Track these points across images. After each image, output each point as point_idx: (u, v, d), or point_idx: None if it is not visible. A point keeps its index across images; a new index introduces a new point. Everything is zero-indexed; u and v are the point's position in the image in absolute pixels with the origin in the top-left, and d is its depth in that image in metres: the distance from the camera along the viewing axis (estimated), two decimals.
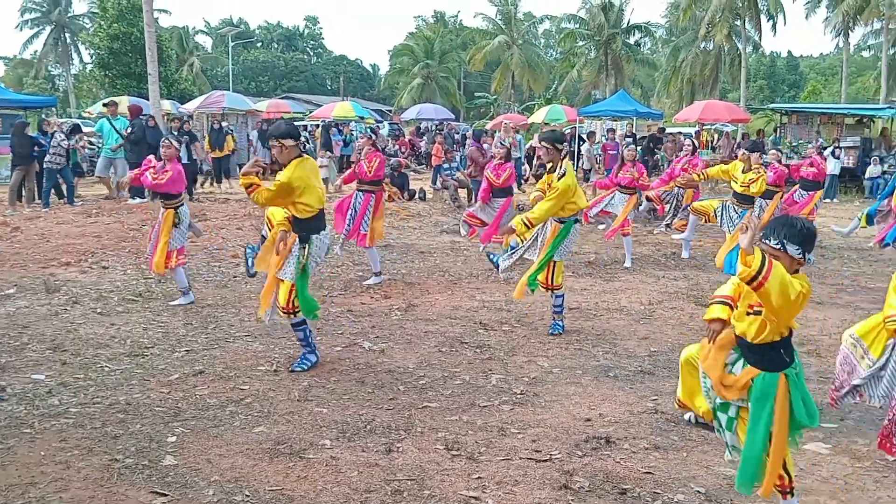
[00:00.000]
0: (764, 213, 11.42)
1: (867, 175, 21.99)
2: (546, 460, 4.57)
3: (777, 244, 3.53)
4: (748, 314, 3.66)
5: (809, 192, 13.38)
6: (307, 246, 5.92)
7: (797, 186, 13.60)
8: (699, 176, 11.31)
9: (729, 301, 3.89)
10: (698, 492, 4.20)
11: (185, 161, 13.49)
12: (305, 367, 6.10)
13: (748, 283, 3.38)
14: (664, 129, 26.41)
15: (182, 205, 8.10)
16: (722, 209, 10.50)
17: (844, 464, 4.65)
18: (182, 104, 29.75)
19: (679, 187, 13.08)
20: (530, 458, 4.59)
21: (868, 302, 8.89)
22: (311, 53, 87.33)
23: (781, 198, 12.66)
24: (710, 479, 4.35)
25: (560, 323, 7.42)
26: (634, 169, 11.54)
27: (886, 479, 4.47)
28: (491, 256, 7.74)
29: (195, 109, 25.96)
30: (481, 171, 13.11)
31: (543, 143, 7.24)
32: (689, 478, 4.37)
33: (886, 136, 26.15)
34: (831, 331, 7.68)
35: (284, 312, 5.96)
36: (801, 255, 3.53)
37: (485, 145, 15.81)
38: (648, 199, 13.45)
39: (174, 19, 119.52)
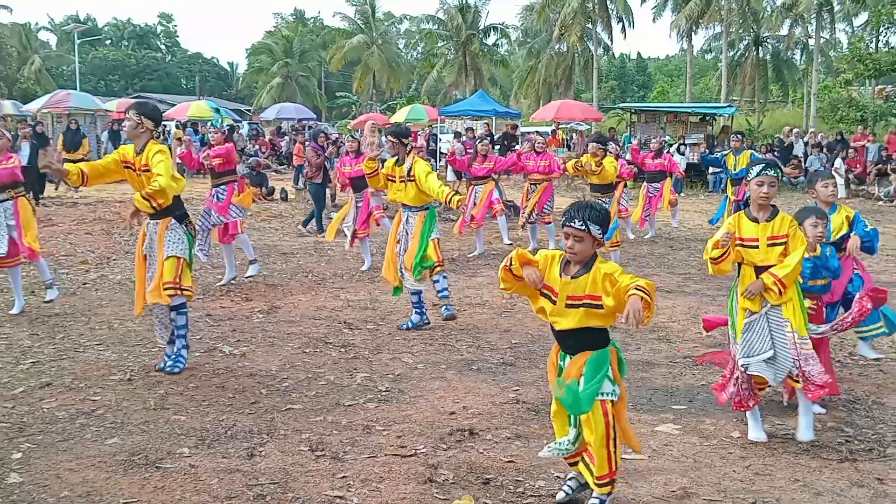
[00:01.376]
0: (611, 204, 11.97)
1: (710, 170, 23.21)
2: (411, 455, 4.59)
3: (581, 225, 3.68)
4: (573, 306, 3.73)
5: (660, 183, 14.01)
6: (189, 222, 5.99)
7: (645, 183, 14.24)
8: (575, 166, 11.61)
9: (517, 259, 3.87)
10: (558, 477, 4.32)
11: (28, 164, 12.72)
12: (180, 368, 5.92)
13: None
14: (517, 127, 27.06)
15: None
16: None
17: (693, 443, 4.90)
18: (24, 104, 28.11)
19: (534, 183, 13.29)
20: (395, 454, 4.59)
21: (713, 289, 9.40)
22: (166, 51, 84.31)
23: (625, 187, 13.30)
24: (564, 466, 4.47)
25: (450, 306, 7.60)
26: (489, 161, 11.87)
27: (731, 455, 4.73)
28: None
29: (38, 109, 24.61)
30: (318, 172, 13.02)
31: (390, 138, 7.44)
32: (550, 464, 4.48)
33: (728, 134, 27.74)
34: (680, 318, 8.08)
35: (172, 288, 5.77)
36: (600, 235, 3.72)
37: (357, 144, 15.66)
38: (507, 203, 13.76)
39: (15, 16, 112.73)
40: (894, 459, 4.66)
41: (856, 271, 6.07)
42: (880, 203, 19.70)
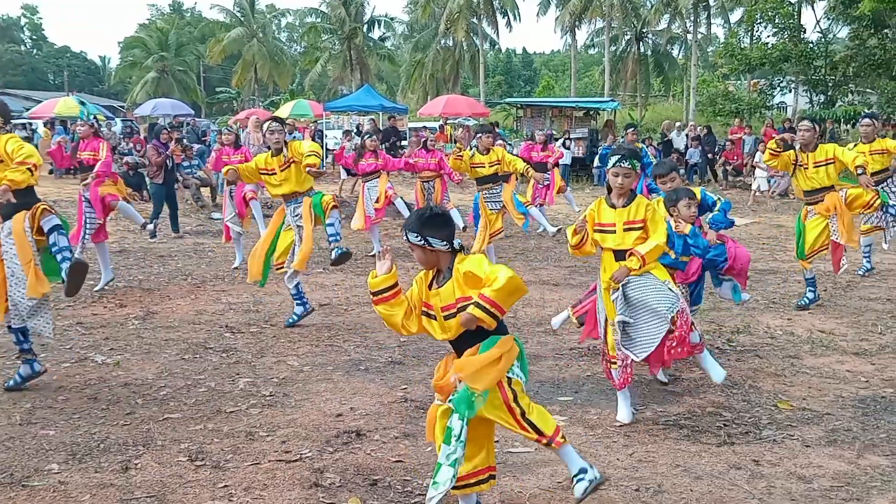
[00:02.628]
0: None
1: (595, 164, 23.75)
2: (296, 460, 4.46)
3: (419, 240, 3.53)
4: (450, 317, 3.55)
5: (548, 174, 14.18)
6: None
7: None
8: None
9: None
10: None
11: None
12: (20, 380, 5.58)
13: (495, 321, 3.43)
14: (394, 117, 27.02)
15: None
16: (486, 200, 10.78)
17: (579, 433, 4.94)
18: None
19: (426, 181, 13.24)
20: (280, 460, 4.45)
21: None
22: (31, 45, 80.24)
23: (516, 179, 13.44)
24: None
25: (305, 302, 7.54)
26: (376, 157, 11.68)
27: (616, 443, 4.79)
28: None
29: None
30: (159, 172, 12.46)
31: (273, 126, 7.30)
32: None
33: (611, 128, 28.46)
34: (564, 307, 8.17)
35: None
36: (447, 247, 3.52)
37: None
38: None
39: None
40: (770, 441, 4.82)
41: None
42: (756, 194, 20.51)
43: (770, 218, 15.92)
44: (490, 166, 10.51)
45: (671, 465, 4.45)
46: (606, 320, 5.14)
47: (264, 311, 7.94)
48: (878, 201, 8.19)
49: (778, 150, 8.09)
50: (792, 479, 4.28)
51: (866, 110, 25.29)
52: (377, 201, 11.64)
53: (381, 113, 27.47)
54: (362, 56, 49.63)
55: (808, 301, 8.22)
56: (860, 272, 9.84)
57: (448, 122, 28.83)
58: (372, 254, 11.33)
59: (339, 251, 7.42)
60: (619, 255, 4.93)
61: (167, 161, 12.71)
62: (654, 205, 5.08)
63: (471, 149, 11.07)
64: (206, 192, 16.54)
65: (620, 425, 5.05)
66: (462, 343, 3.60)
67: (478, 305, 3.37)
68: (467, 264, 3.50)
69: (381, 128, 25.50)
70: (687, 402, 5.52)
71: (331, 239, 7.44)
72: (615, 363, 5.07)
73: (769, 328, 7.45)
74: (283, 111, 31.67)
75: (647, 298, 4.92)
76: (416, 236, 3.52)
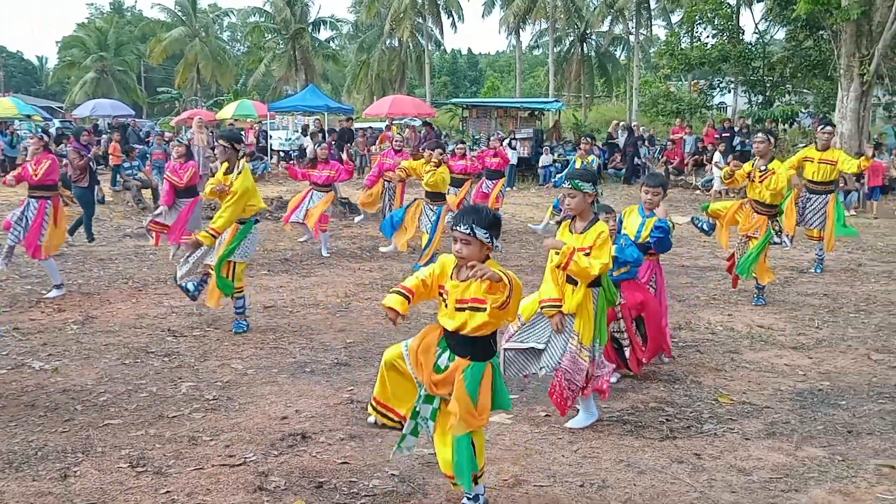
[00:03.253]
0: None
1: (540, 164, 23.95)
2: (240, 464, 4.40)
3: (467, 229, 3.62)
4: (461, 310, 3.68)
5: (494, 181, 14.26)
6: None
7: (483, 178, 14.44)
8: (402, 172, 11.54)
9: (406, 292, 3.84)
10: (393, 475, 4.27)
11: None
12: None
13: (501, 308, 3.51)
14: (352, 119, 26.88)
15: None
16: (423, 211, 10.77)
17: (525, 430, 4.97)
18: None
19: (387, 181, 13.07)
20: (224, 465, 4.40)
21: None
22: None
23: (472, 185, 13.50)
24: (404, 461, 4.43)
25: (244, 322, 7.27)
26: (329, 168, 11.55)
27: (561, 440, 4.84)
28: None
29: None
30: (83, 175, 11.95)
31: (220, 142, 7.09)
32: (385, 462, 4.43)
33: (558, 128, 28.71)
34: None
35: None
36: (489, 241, 3.64)
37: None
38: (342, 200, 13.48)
39: None
40: (710, 435, 4.91)
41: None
42: (697, 192, 20.89)
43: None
44: (427, 183, 10.54)
45: (615, 461, 4.51)
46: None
47: (207, 315, 7.82)
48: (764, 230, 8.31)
49: (730, 177, 8.30)
50: (732, 472, 4.37)
51: (803, 110, 25.96)
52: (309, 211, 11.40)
53: (326, 113, 27.29)
54: (307, 56, 49.23)
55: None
56: (816, 270, 10.12)
57: (394, 122, 28.77)
58: (326, 255, 11.23)
59: (242, 326, 7.23)
60: (573, 279, 4.88)
61: (90, 164, 12.23)
62: (607, 234, 4.92)
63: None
64: (147, 193, 16.23)
65: (566, 422, 5.10)
66: (457, 340, 3.72)
67: (507, 276, 3.48)
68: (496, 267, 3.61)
69: (324, 128, 25.35)
70: (630, 398, 5.60)
71: (237, 312, 7.27)
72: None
73: (710, 324, 7.59)
74: (227, 111, 31.29)
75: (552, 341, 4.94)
76: (466, 227, 3.63)
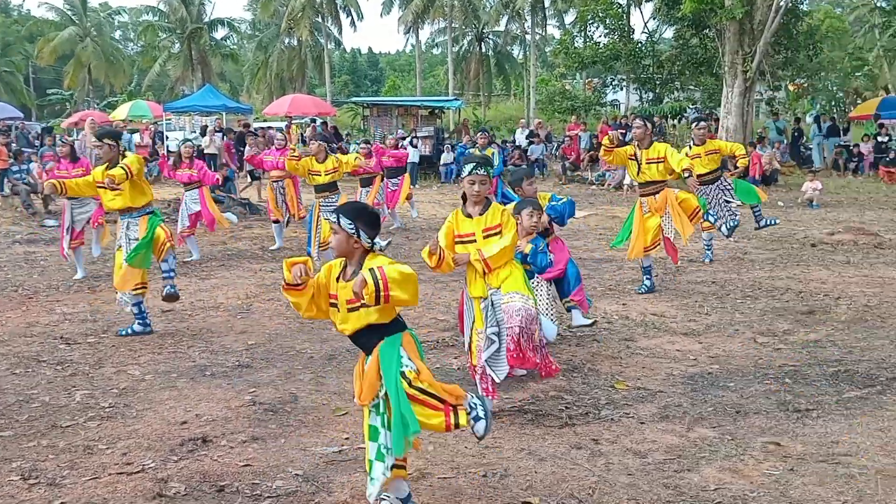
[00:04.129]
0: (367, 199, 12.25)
1: (442, 162, 24.11)
2: (138, 472, 4.31)
3: (334, 218, 3.63)
4: (353, 310, 3.61)
5: (399, 178, 14.30)
6: None
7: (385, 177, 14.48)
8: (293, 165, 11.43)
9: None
10: (297, 475, 4.26)
11: None
12: None
13: (377, 304, 3.43)
14: (248, 125, 26.45)
15: None
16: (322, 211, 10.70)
17: None
18: None
19: (275, 181, 12.86)
20: (121, 473, 4.30)
21: (447, 276, 9.67)
22: None
23: (382, 181, 13.57)
24: (308, 460, 4.43)
25: (146, 322, 7.15)
26: (193, 167, 11.17)
27: (464, 432, 4.86)
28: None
29: None
30: None
31: (104, 140, 6.97)
32: (288, 462, 4.41)
33: (466, 126, 28.93)
34: (429, 304, 8.27)
35: None
36: (354, 233, 3.59)
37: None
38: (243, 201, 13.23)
39: None
40: (608, 420, 5.07)
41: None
42: (593, 187, 21.44)
43: (606, 210, 16.66)
44: (326, 174, 10.38)
45: (517, 450, 4.61)
46: (473, 326, 5.15)
47: (102, 321, 7.61)
48: (701, 212, 8.69)
49: (612, 146, 8.47)
50: (628, 455, 4.52)
51: (691, 106, 26.94)
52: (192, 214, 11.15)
53: (224, 113, 26.79)
54: (204, 55, 48.15)
55: (646, 289, 8.67)
56: (705, 259, 10.51)
57: (294, 121, 28.47)
58: (190, 259, 10.97)
59: (171, 289, 7.31)
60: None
61: None
62: (510, 209, 5.14)
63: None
64: (36, 198, 15.61)
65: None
66: (360, 338, 3.68)
67: (371, 272, 3.40)
68: (377, 262, 3.56)
69: (223, 128, 24.88)
70: (531, 387, 5.72)
71: (164, 275, 7.35)
72: (476, 371, 5.14)
73: (606, 313, 7.81)
74: (121, 112, 30.37)
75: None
76: (350, 224, 3.58)
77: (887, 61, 30.17)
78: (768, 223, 10.54)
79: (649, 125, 8.66)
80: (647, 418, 5.10)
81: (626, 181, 18.89)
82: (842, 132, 25.82)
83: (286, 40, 47.72)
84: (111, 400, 5.47)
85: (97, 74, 50.53)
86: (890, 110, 24.98)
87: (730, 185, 9.90)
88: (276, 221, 12.22)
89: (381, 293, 3.39)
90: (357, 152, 13.12)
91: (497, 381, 4.99)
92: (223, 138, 22.85)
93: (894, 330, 7.13)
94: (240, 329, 7.40)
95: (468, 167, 4.96)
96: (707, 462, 4.42)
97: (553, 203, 6.40)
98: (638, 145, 8.44)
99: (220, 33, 51.19)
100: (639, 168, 8.43)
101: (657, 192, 8.45)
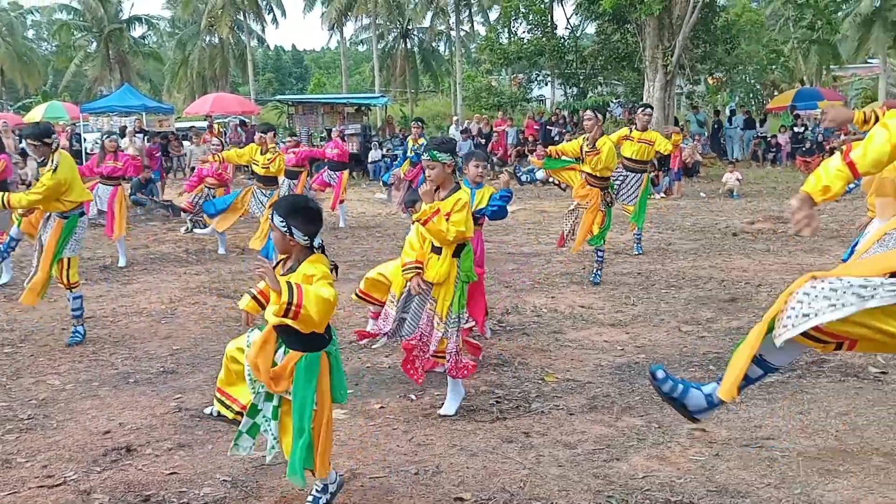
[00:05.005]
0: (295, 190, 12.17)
1: (370, 159, 24.02)
2: (60, 484, 4.17)
3: (271, 214, 3.59)
4: None
5: (339, 172, 14.18)
6: None
7: (326, 167, 14.38)
8: (221, 158, 11.30)
9: (260, 296, 3.85)
10: (225, 481, 4.18)
11: None
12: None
13: (284, 316, 3.34)
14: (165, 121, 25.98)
15: None
16: (253, 195, 10.71)
17: (360, 424, 4.98)
18: None
19: (209, 187, 12.61)
20: (41, 486, 4.15)
21: None
22: None
23: (308, 177, 13.51)
24: (236, 465, 4.35)
25: (81, 328, 6.92)
26: (117, 159, 10.93)
27: (396, 430, 4.89)
28: None
29: None
30: None
31: (28, 142, 6.69)
32: (216, 469, 4.32)
33: (391, 122, 28.84)
34: (344, 304, 8.17)
35: None
36: (286, 229, 3.53)
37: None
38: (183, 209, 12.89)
39: None
40: (538, 413, 5.11)
41: None
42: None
43: (535, 204, 16.81)
44: (263, 166, 10.48)
45: (448, 446, 4.60)
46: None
47: (20, 330, 7.34)
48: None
49: (544, 154, 8.64)
50: (559, 447, 4.57)
51: (614, 101, 27.39)
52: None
53: (144, 113, 26.16)
54: (123, 55, 46.91)
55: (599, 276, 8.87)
56: (636, 251, 10.69)
57: (216, 120, 27.98)
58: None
59: (79, 336, 6.92)
60: (436, 248, 5.03)
61: None
62: (466, 201, 5.06)
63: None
64: None
65: (401, 412, 5.16)
66: (280, 331, 3.61)
67: (289, 286, 3.35)
68: (310, 268, 3.50)
69: (144, 129, 24.28)
70: (462, 382, 5.71)
71: (74, 315, 6.95)
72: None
73: (535, 307, 7.88)
74: (36, 114, 29.45)
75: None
76: (282, 221, 3.51)
77: (801, 53, 31.17)
78: (637, 248, 10.82)
79: (600, 116, 8.76)
80: (576, 409, 5.16)
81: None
82: (759, 124, 26.58)
83: (207, 38, 46.82)
84: (30, 411, 5.28)
85: (10, 75, 48.78)
86: (805, 101, 25.82)
87: (641, 185, 10.12)
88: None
89: (293, 309, 3.34)
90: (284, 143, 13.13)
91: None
92: (144, 139, 22.32)
93: None
94: (164, 334, 7.23)
95: (421, 152, 5.05)
96: (635, 450, 4.50)
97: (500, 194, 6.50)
98: (588, 138, 8.54)
99: (137, 31, 50.02)
100: (588, 160, 8.55)
101: (604, 188, 8.59)
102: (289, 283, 3.36)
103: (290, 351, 3.63)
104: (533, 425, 4.90)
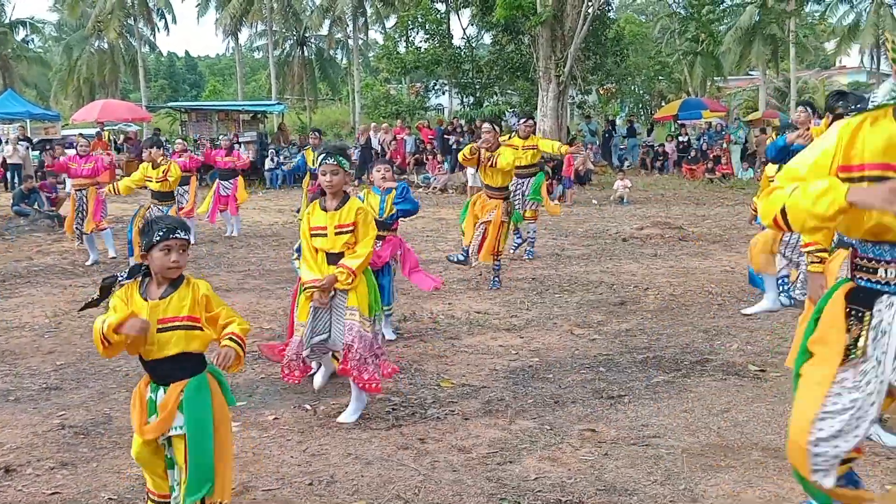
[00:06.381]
0: (186, 202, 11.84)
1: (266, 167, 23.69)
2: None
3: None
4: (166, 329, 3.30)
5: (232, 180, 13.89)
6: None
7: (217, 180, 14.05)
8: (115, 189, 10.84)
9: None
10: (110, 499, 4.05)
11: None
12: None
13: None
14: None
15: None
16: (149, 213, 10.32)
17: (253, 436, 4.91)
18: None
19: (78, 189, 12.04)
20: None
21: (272, 283, 9.56)
22: None
23: (199, 183, 13.24)
24: (122, 483, 4.22)
25: None
26: None
27: (289, 441, 4.83)
28: None
29: None
30: None
31: None
32: (101, 487, 4.18)
33: (285, 131, 28.50)
34: (240, 314, 8.05)
35: None
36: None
37: None
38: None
39: None
40: (434, 419, 5.14)
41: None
42: (419, 190, 21.68)
43: (433, 212, 16.91)
44: (157, 181, 10.14)
45: (343, 455, 4.58)
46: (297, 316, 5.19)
47: None
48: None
49: (472, 156, 8.65)
50: (453, 452, 4.60)
51: (510, 110, 27.84)
52: None
53: (28, 120, 25.11)
54: (6, 59, 44.83)
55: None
56: (527, 257, 10.84)
57: (105, 127, 27.07)
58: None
59: None
60: (332, 257, 4.95)
61: None
62: (366, 208, 5.09)
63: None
64: None
65: (295, 423, 5.11)
66: (164, 365, 3.32)
67: (233, 340, 3.30)
68: (204, 287, 3.41)
69: (27, 137, 23.31)
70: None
71: None
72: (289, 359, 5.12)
73: (432, 313, 7.93)
74: None
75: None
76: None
77: (687, 65, 32.37)
78: (528, 253, 10.93)
79: (497, 129, 8.87)
80: (471, 414, 5.22)
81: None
82: (647, 133, 27.47)
83: (96, 43, 45.26)
84: None
85: None
86: (689, 111, 26.81)
87: (528, 190, 10.34)
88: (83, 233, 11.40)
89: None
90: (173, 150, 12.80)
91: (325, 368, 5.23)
92: (28, 148, 21.45)
93: (697, 316, 7.66)
94: (48, 349, 6.94)
95: (320, 158, 4.92)
96: (528, 452, 4.58)
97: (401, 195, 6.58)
98: (487, 150, 8.61)
99: (21, 34, 47.89)
100: (487, 172, 8.66)
101: (505, 199, 8.70)
102: (232, 339, 3.34)
103: (171, 385, 3.34)
104: (429, 431, 4.93)
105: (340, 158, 4.90)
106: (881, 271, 2.60)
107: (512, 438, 4.80)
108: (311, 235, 4.98)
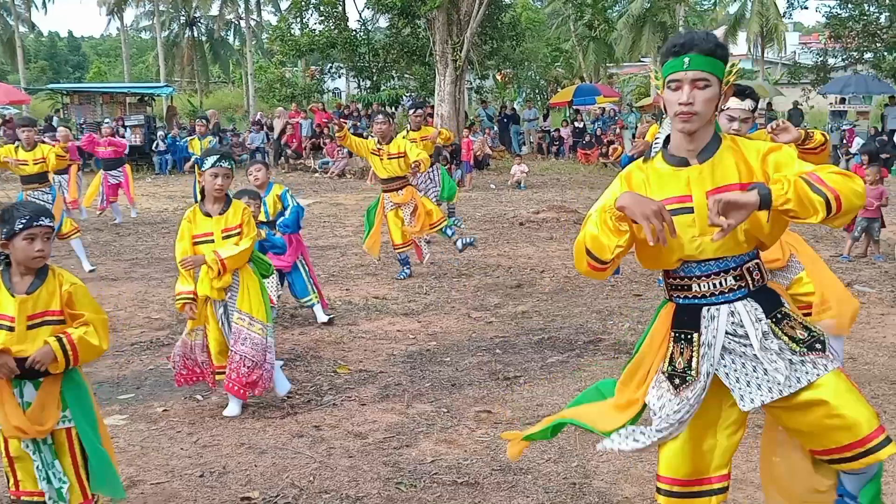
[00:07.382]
0: (67, 189, 11.29)
1: (154, 148, 22.90)
2: None
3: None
4: (36, 326, 3.11)
5: (121, 168, 13.33)
6: None
7: (102, 171, 13.44)
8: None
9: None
10: None
11: None
12: None
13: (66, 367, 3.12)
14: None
15: None
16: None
17: (141, 429, 4.74)
18: None
19: None
20: None
21: (161, 272, 9.25)
22: None
23: (78, 171, 12.65)
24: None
25: None
26: None
27: (180, 433, 4.68)
28: None
29: None
30: None
31: None
32: None
33: (174, 113, 27.61)
34: (126, 305, 7.79)
35: None
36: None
37: None
38: None
39: None
40: (330, 406, 5.07)
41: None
42: (316, 175, 21.40)
43: (330, 197, 16.71)
44: (35, 163, 9.52)
45: (236, 445, 4.47)
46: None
47: None
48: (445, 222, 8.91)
49: (342, 134, 8.49)
50: (350, 438, 4.55)
51: (407, 94, 27.75)
52: None
53: None
54: None
55: (405, 275, 8.83)
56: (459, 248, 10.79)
57: None
58: None
59: None
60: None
61: None
62: (251, 211, 4.98)
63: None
64: None
65: (185, 414, 4.96)
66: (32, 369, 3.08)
67: (59, 342, 3.06)
68: (80, 289, 3.20)
69: None
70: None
71: None
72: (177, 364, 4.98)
73: (330, 300, 7.81)
74: None
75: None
76: None
77: (581, 51, 32.90)
78: (465, 242, 10.66)
79: (391, 119, 8.73)
80: (368, 399, 5.17)
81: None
82: (542, 118, 27.82)
83: None
84: None
85: None
86: (584, 97, 27.28)
87: (439, 177, 10.27)
88: None
89: (71, 358, 3.09)
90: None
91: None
92: None
93: (591, 297, 7.81)
94: None
95: (211, 159, 4.71)
96: (425, 436, 4.57)
97: (282, 222, 6.48)
98: (380, 140, 8.46)
99: None
100: (381, 163, 8.47)
101: (401, 188, 8.53)
102: (58, 339, 3.07)
103: (43, 379, 3.15)
104: (324, 418, 4.86)
105: (233, 162, 4.82)
106: (695, 286, 2.65)
107: (409, 422, 4.78)
108: (196, 243, 4.79)
